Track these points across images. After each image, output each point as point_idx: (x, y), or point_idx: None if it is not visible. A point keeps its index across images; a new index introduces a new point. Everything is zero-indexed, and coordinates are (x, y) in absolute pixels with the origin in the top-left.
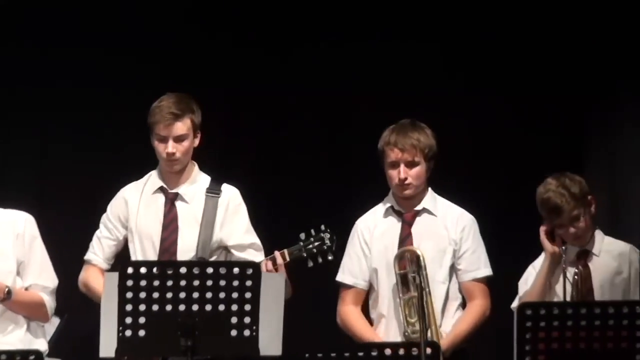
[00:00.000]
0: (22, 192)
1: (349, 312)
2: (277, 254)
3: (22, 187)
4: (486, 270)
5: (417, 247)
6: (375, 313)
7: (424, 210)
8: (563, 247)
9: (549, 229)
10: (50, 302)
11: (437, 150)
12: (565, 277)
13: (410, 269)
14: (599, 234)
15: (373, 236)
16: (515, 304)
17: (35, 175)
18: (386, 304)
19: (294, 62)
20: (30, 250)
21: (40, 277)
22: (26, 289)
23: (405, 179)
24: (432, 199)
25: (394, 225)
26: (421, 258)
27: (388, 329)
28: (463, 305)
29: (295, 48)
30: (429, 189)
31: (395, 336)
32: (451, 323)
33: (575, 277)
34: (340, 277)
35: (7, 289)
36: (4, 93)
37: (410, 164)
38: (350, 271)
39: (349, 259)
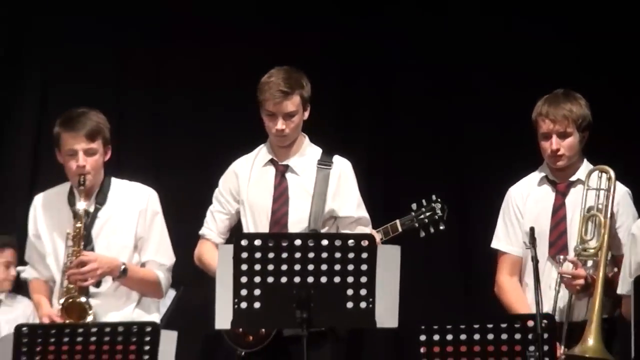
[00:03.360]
0: (141, 166)
1: (503, 284)
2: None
3: (140, 162)
4: None
5: (571, 217)
6: (523, 281)
7: (579, 181)
8: None
9: None
10: (164, 279)
11: (591, 120)
12: None
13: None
14: None
15: (526, 204)
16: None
17: (153, 149)
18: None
19: (408, 34)
20: (150, 226)
21: (158, 254)
22: (143, 264)
23: (558, 150)
24: (587, 170)
25: (548, 194)
26: (612, 177)
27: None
28: None
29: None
30: (585, 159)
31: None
32: None
33: None
34: (495, 244)
35: (122, 267)
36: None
37: (562, 135)
38: (505, 238)
39: (504, 226)
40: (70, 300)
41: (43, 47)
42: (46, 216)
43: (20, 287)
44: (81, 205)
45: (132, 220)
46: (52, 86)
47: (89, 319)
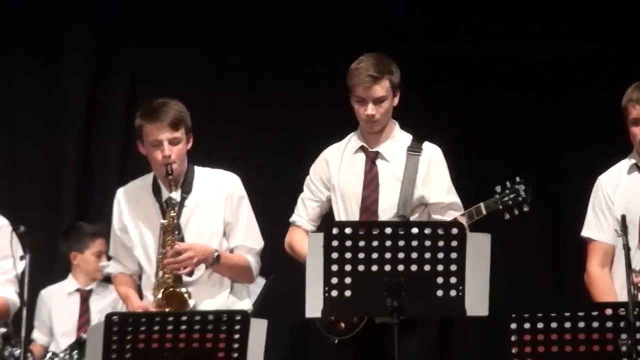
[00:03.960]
0: (229, 155)
1: (594, 275)
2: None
3: (228, 151)
4: None
5: None
6: (613, 268)
7: None
8: None
9: None
10: (255, 263)
11: None
12: None
13: None
14: None
15: (616, 192)
16: None
17: (242, 137)
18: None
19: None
20: (237, 211)
21: (247, 239)
22: (232, 250)
23: None
24: None
25: (638, 181)
26: None
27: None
28: None
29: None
30: None
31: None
32: None
33: None
34: (586, 232)
35: (215, 254)
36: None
37: None
38: (596, 226)
39: (594, 214)
40: (170, 289)
41: (133, 42)
42: (131, 209)
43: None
44: (174, 194)
45: (219, 206)
46: (140, 80)
47: (190, 308)
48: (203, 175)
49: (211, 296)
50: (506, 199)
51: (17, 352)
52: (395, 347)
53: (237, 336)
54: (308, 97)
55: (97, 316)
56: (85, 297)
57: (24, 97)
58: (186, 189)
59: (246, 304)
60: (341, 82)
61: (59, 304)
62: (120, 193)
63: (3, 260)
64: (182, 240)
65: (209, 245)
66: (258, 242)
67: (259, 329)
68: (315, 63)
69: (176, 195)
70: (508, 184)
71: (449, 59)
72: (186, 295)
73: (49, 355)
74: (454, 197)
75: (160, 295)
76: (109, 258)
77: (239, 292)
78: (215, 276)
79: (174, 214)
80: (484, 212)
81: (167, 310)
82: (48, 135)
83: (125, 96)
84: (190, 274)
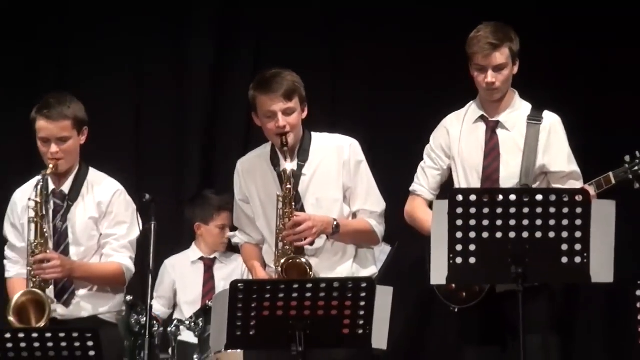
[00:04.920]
0: (352, 120)
1: None
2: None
3: (351, 115)
4: None
5: None
6: None
7: None
8: None
9: None
10: (377, 226)
11: None
12: None
13: None
14: None
15: None
16: None
17: (368, 104)
18: None
19: None
20: (356, 176)
21: (367, 202)
22: (354, 214)
23: None
24: None
25: None
26: None
27: None
28: None
29: None
30: None
31: None
32: None
33: None
34: None
35: (335, 223)
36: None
37: None
38: None
39: None
40: (290, 261)
41: (258, 9)
42: (251, 180)
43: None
44: (288, 165)
45: (336, 172)
46: (264, 51)
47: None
48: (320, 141)
49: (334, 265)
50: (636, 168)
51: (143, 319)
52: (521, 315)
53: (362, 303)
54: (430, 63)
55: (221, 284)
56: (209, 265)
57: (151, 67)
58: (303, 157)
59: (371, 271)
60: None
61: (183, 273)
62: (240, 164)
63: (117, 226)
64: (302, 209)
65: (330, 213)
66: (379, 205)
67: (384, 297)
68: (439, 31)
69: (291, 165)
70: (638, 153)
71: (572, 25)
72: (306, 266)
73: (174, 322)
74: (574, 166)
75: (279, 267)
76: (233, 230)
77: (364, 259)
78: (338, 245)
79: (290, 186)
80: (613, 181)
81: None
82: (174, 105)
83: (251, 64)
84: (311, 243)
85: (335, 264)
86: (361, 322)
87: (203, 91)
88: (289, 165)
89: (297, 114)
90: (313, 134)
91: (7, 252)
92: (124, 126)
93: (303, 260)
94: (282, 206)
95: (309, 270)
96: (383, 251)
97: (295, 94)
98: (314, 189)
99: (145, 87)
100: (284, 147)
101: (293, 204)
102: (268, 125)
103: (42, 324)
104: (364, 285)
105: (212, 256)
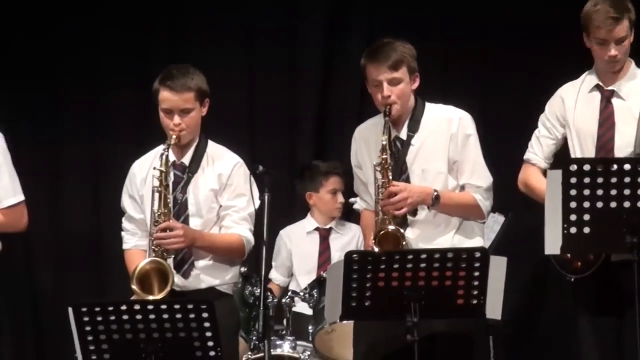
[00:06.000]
0: (468, 91)
1: None
2: None
3: (464, 85)
4: None
5: None
6: None
7: None
8: None
9: None
10: (483, 201)
11: None
12: None
13: None
14: None
15: None
16: None
17: (478, 73)
18: None
19: None
20: (463, 149)
21: (473, 177)
22: (462, 187)
23: None
24: None
25: None
26: None
27: None
28: None
29: None
30: None
31: None
32: None
33: None
34: None
35: (434, 194)
36: None
37: None
38: None
39: None
40: (382, 232)
41: None
42: (365, 147)
43: (350, 213)
44: (384, 137)
45: (443, 145)
46: (378, 20)
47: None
48: (432, 113)
49: (435, 236)
50: None
51: (257, 291)
52: (636, 285)
53: (476, 274)
54: (544, 33)
55: (337, 254)
56: (324, 235)
57: (264, 38)
58: (413, 127)
59: (476, 243)
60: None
61: (298, 244)
62: (358, 131)
63: (237, 198)
64: (407, 180)
65: (433, 184)
66: (485, 180)
67: (498, 267)
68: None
69: (403, 134)
70: None
71: None
72: (398, 234)
73: (289, 293)
74: None
75: (374, 238)
76: (345, 194)
77: (469, 231)
78: (441, 216)
79: (386, 156)
80: None
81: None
82: (286, 77)
83: (364, 33)
84: (413, 213)
85: (436, 235)
86: (475, 293)
87: (316, 62)
88: (385, 136)
89: (405, 85)
90: (427, 104)
91: (125, 223)
92: (237, 98)
93: (391, 228)
94: (380, 176)
95: (401, 240)
96: (497, 221)
97: (403, 65)
98: (420, 160)
99: (258, 59)
100: (386, 116)
101: (389, 174)
102: (376, 95)
103: (164, 294)
104: (477, 255)
105: (327, 226)
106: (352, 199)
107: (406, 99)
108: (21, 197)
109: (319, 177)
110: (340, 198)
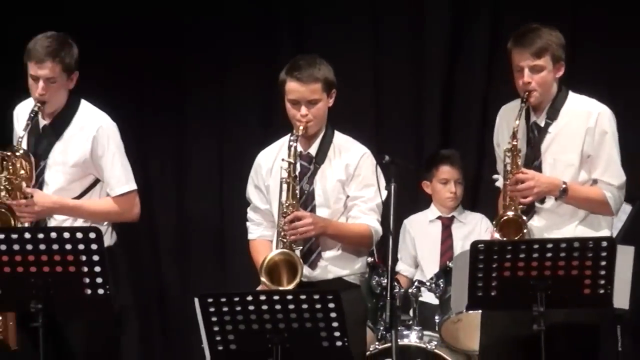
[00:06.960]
0: (596, 79)
1: None
2: None
3: (595, 74)
4: None
5: None
6: None
7: None
8: None
9: None
10: (612, 198)
11: None
12: None
13: None
14: None
15: None
16: None
17: (606, 63)
18: None
19: None
20: (598, 145)
21: (605, 174)
22: (594, 181)
23: None
24: None
25: None
26: None
27: None
28: None
29: None
30: None
31: None
32: None
33: None
34: None
35: (562, 187)
36: None
37: None
38: None
39: None
40: (505, 218)
41: None
42: (506, 126)
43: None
44: (517, 123)
45: (579, 138)
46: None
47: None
48: (573, 103)
49: (558, 226)
50: None
51: (384, 281)
52: None
53: (603, 263)
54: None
55: (459, 243)
56: (446, 224)
57: (390, 24)
58: (552, 115)
59: (603, 235)
60: None
61: (421, 232)
62: (502, 109)
63: (365, 188)
64: (539, 166)
65: (562, 175)
66: (617, 178)
67: (625, 256)
68: None
69: (541, 120)
70: None
71: None
72: (520, 220)
73: (415, 283)
74: None
75: (496, 225)
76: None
77: (595, 223)
78: (566, 207)
79: (516, 142)
80: None
81: (503, 237)
82: (411, 66)
83: (488, 24)
84: (541, 201)
85: (559, 225)
86: (602, 282)
87: (442, 49)
88: (517, 124)
89: (547, 73)
90: (570, 94)
91: (250, 214)
92: (363, 88)
93: (510, 214)
94: (509, 160)
95: (523, 226)
96: (624, 210)
97: (547, 52)
98: (554, 149)
99: (384, 47)
100: (523, 102)
101: (518, 159)
102: (517, 80)
103: (293, 285)
104: (604, 244)
105: (449, 215)
106: (495, 176)
107: (547, 87)
108: (133, 186)
109: (431, 167)
110: (452, 188)
